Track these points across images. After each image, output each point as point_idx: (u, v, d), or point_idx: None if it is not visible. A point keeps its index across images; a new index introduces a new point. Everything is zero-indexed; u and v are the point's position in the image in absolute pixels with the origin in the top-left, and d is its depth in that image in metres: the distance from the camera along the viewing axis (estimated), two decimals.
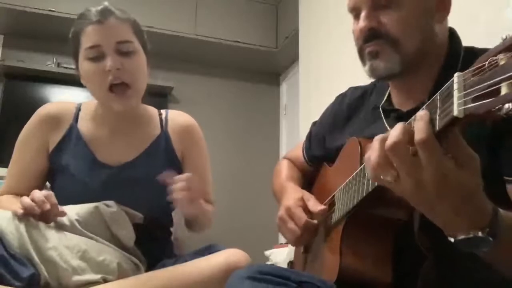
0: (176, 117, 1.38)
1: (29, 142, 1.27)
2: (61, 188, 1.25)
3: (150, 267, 1.16)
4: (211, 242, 1.23)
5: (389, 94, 0.97)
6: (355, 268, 0.84)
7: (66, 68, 3.24)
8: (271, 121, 4.12)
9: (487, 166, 0.70)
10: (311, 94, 3.01)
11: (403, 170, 0.58)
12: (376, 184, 0.71)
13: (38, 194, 1.06)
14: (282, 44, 3.74)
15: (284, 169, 1.28)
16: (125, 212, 1.18)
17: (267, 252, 2.64)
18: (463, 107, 0.49)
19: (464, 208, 0.57)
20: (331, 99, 1.20)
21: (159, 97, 3.65)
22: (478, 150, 0.57)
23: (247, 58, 3.89)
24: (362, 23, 0.88)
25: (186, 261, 1.13)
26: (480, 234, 0.57)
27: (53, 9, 3.19)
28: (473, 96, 0.48)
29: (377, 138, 0.61)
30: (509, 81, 0.44)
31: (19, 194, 1.25)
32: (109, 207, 1.15)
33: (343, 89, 1.17)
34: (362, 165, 0.78)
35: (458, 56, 0.86)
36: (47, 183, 1.32)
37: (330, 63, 2.71)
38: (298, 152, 1.27)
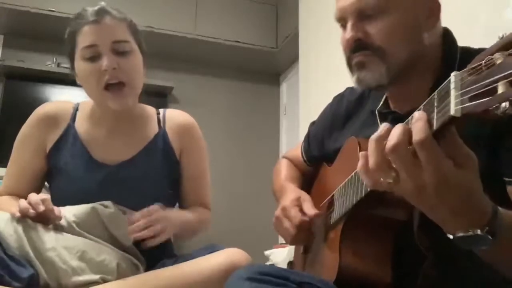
0: (175, 116, 1.37)
1: (27, 142, 1.27)
2: (58, 188, 1.25)
3: (149, 267, 1.16)
4: (211, 242, 1.24)
5: (386, 97, 0.96)
6: (354, 268, 0.84)
7: (66, 68, 3.21)
8: (271, 121, 4.12)
9: (487, 166, 0.70)
10: (311, 94, 3.01)
11: (403, 171, 0.58)
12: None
13: (34, 197, 1.07)
14: (282, 44, 3.74)
15: (283, 169, 1.28)
16: (122, 212, 1.18)
17: (267, 252, 2.64)
18: (460, 106, 0.49)
19: (464, 207, 0.57)
20: (331, 99, 1.20)
21: (159, 97, 3.65)
22: (478, 150, 0.57)
23: (247, 58, 3.89)
24: (348, 33, 0.87)
25: (186, 261, 1.13)
26: (479, 232, 0.57)
27: (53, 9, 3.19)
28: (470, 95, 0.48)
29: (372, 141, 0.61)
30: (505, 80, 0.44)
31: (18, 195, 1.25)
32: (106, 207, 1.15)
33: (343, 89, 1.17)
34: None
35: (454, 57, 0.85)
36: (46, 184, 1.32)
37: (330, 63, 2.71)
38: (297, 151, 1.28)
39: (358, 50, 0.86)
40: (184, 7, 3.62)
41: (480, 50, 0.81)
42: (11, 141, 1.28)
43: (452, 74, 0.51)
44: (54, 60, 3.41)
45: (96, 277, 1.04)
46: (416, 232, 0.79)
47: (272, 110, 4.16)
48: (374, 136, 0.61)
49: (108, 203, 1.16)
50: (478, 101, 0.47)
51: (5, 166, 1.31)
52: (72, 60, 1.24)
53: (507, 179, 0.71)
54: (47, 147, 1.27)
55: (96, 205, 1.14)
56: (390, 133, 0.58)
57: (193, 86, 3.89)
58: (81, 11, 1.21)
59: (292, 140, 3.72)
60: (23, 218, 1.05)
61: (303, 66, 3.20)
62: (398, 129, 0.58)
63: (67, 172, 1.24)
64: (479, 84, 0.47)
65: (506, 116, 0.45)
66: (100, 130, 1.29)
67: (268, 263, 2.55)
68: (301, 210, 1.02)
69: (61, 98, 3.20)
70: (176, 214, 1.25)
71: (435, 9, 0.86)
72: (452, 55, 0.85)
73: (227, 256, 1.09)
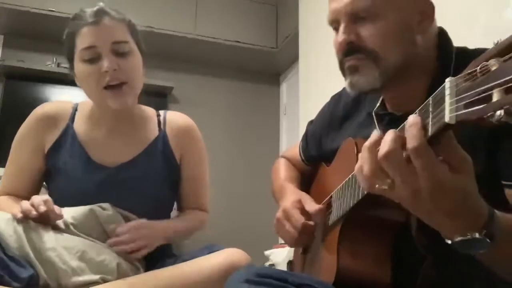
0: (175, 118, 1.37)
1: (25, 142, 1.27)
2: (57, 188, 1.25)
3: (149, 267, 1.16)
4: (211, 242, 1.23)
5: (383, 99, 0.95)
6: (353, 269, 0.84)
7: (66, 68, 3.21)
8: (271, 121, 4.12)
9: (484, 169, 0.69)
10: (311, 94, 3.01)
11: (398, 178, 0.57)
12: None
13: (37, 199, 1.08)
14: (282, 44, 3.74)
15: (282, 168, 1.27)
16: (120, 215, 1.18)
17: (267, 252, 2.64)
18: (455, 114, 0.49)
19: (460, 211, 0.57)
20: None
21: (159, 97, 3.66)
22: (475, 153, 0.57)
23: (247, 58, 3.89)
24: (340, 36, 0.86)
25: (185, 261, 1.13)
26: (477, 235, 0.57)
27: (53, 9, 3.19)
28: (465, 102, 0.47)
29: (365, 148, 0.60)
30: (500, 88, 0.43)
31: (16, 195, 1.25)
32: (104, 209, 1.15)
33: None
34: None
35: (450, 58, 0.84)
36: (44, 184, 1.32)
37: (330, 63, 2.70)
38: (295, 150, 1.27)
39: (350, 54, 0.85)
40: (184, 7, 3.62)
41: (476, 51, 0.81)
42: (11, 141, 1.28)
43: (447, 80, 0.51)
44: (54, 60, 3.41)
45: (96, 277, 1.04)
46: (415, 233, 0.79)
47: (272, 110, 4.15)
48: (366, 143, 0.60)
49: (106, 205, 1.16)
50: (472, 109, 0.46)
51: (4, 166, 1.30)
52: (71, 61, 1.24)
53: (505, 182, 0.71)
54: (46, 147, 1.26)
55: (94, 207, 1.14)
56: (382, 139, 0.58)
57: (193, 86, 3.89)
58: (79, 12, 1.21)
59: (292, 140, 3.72)
60: (24, 219, 1.05)
61: (303, 66, 3.20)
62: (389, 136, 0.57)
63: (66, 172, 1.23)
64: (474, 91, 0.46)
65: (501, 124, 0.44)
66: (99, 131, 1.28)
67: (268, 263, 2.55)
68: (303, 212, 1.02)
69: (61, 98, 3.19)
70: (162, 228, 1.23)
71: (429, 11, 0.85)
72: (448, 56, 0.85)
73: (227, 256, 1.09)
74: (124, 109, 1.23)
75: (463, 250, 0.58)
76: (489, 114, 0.45)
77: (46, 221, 1.07)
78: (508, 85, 0.43)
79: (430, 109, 0.54)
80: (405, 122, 0.57)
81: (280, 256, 2.44)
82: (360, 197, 0.77)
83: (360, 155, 0.64)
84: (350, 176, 0.83)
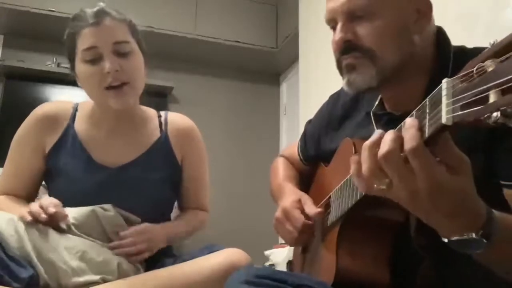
0: (176, 120, 1.37)
1: (25, 142, 1.26)
2: (57, 189, 1.25)
3: (149, 267, 1.16)
4: (211, 242, 1.23)
5: (381, 98, 0.95)
6: (352, 269, 0.84)
7: (66, 68, 3.20)
8: (271, 121, 4.12)
9: (483, 169, 0.69)
10: (311, 94, 3.01)
11: (396, 178, 0.57)
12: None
13: (46, 201, 1.08)
14: (282, 44, 3.74)
15: (281, 168, 1.27)
16: (122, 216, 1.18)
17: (267, 252, 2.64)
18: (452, 115, 0.49)
19: (458, 211, 0.57)
20: None
21: (159, 97, 3.65)
22: (473, 153, 0.57)
23: (247, 58, 3.89)
24: (337, 35, 0.86)
25: (185, 261, 1.13)
26: (473, 235, 0.57)
27: (53, 9, 3.19)
28: (461, 103, 0.47)
29: (366, 147, 0.60)
30: (497, 89, 0.43)
31: (14, 194, 1.25)
32: (106, 210, 1.15)
33: None
34: None
35: (448, 57, 0.84)
36: (44, 183, 1.32)
37: (330, 63, 2.69)
38: (294, 150, 1.27)
39: (348, 52, 0.86)
40: (184, 7, 3.62)
41: (474, 50, 0.81)
42: (10, 141, 1.28)
43: (444, 81, 0.51)
44: (54, 60, 3.41)
45: (96, 277, 1.04)
46: (414, 234, 0.79)
47: (272, 110, 4.15)
48: (367, 142, 0.60)
49: (108, 206, 1.16)
50: (469, 110, 0.46)
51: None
52: (72, 61, 1.23)
53: (504, 182, 0.71)
54: (47, 148, 1.26)
55: (96, 208, 1.14)
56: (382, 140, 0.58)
57: (193, 86, 3.89)
58: (80, 12, 1.20)
59: (292, 140, 3.72)
60: (33, 223, 1.05)
61: (303, 66, 3.20)
62: (389, 135, 0.57)
63: (67, 173, 1.23)
64: (471, 92, 0.46)
65: (498, 125, 0.44)
66: (100, 131, 1.28)
67: (268, 263, 2.55)
68: (303, 212, 1.02)
69: (61, 98, 3.20)
70: (164, 231, 1.24)
71: (426, 10, 0.85)
72: (446, 55, 0.84)
73: (227, 256, 1.09)
74: (125, 109, 1.23)
75: (460, 249, 0.59)
76: (485, 116, 0.44)
77: (53, 223, 1.08)
78: (505, 86, 0.42)
79: (427, 110, 0.54)
80: (402, 123, 0.58)
81: (280, 256, 2.44)
82: (358, 198, 0.77)
83: (351, 158, 0.64)
84: (349, 176, 0.83)
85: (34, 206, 1.07)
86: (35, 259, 1.01)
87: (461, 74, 0.49)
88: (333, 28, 0.89)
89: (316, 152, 1.16)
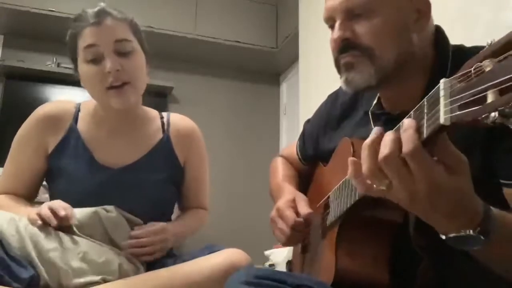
0: (178, 122, 1.37)
1: (26, 142, 1.26)
2: (58, 189, 1.24)
3: (149, 267, 1.16)
4: (211, 242, 1.24)
5: (379, 98, 0.95)
6: (351, 269, 0.84)
7: (66, 68, 3.23)
8: (271, 121, 4.12)
9: (482, 168, 0.69)
10: (311, 94, 3.01)
11: (395, 179, 0.57)
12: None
13: (55, 204, 1.09)
14: (282, 44, 3.74)
15: (280, 167, 1.27)
16: (124, 217, 1.18)
17: (267, 252, 2.64)
18: (450, 115, 0.48)
19: (456, 210, 0.57)
20: None
21: (159, 97, 3.65)
22: (472, 152, 0.57)
23: (247, 58, 3.89)
24: (336, 33, 0.85)
25: (186, 261, 1.13)
26: (471, 232, 0.57)
27: (53, 9, 3.18)
28: (459, 103, 0.47)
29: (366, 147, 0.60)
30: (495, 89, 0.43)
31: (14, 194, 1.25)
32: (108, 212, 1.15)
33: None
34: None
35: (447, 56, 0.84)
36: (45, 183, 1.32)
37: (330, 63, 2.69)
38: (292, 149, 1.28)
39: (346, 50, 0.85)
40: (184, 7, 3.62)
41: (472, 49, 0.81)
42: (11, 141, 1.28)
43: (442, 81, 0.51)
44: (54, 60, 3.41)
45: (97, 278, 1.04)
46: (412, 233, 0.79)
47: (272, 110, 4.15)
48: (367, 142, 0.60)
49: (110, 207, 1.16)
50: (467, 110, 0.46)
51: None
52: (75, 62, 1.23)
53: (503, 181, 0.71)
54: (49, 149, 1.26)
55: (99, 209, 1.14)
56: (382, 139, 0.58)
57: (193, 86, 3.89)
58: (81, 12, 1.20)
59: (292, 140, 3.71)
60: (44, 226, 1.06)
61: (303, 66, 3.20)
62: (388, 137, 0.57)
63: (68, 173, 1.23)
64: (469, 92, 0.46)
65: (496, 125, 0.44)
66: (102, 131, 1.28)
67: (268, 263, 2.55)
68: (296, 212, 1.02)
69: (61, 98, 3.20)
70: (173, 232, 1.25)
71: (425, 9, 0.84)
72: (445, 54, 0.84)
73: (227, 256, 1.09)
74: (127, 109, 1.23)
75: (457, 246, 0.59)
76: (483, 116, 0.44)
77: (63, 227, 1.08)
78: (503, 86, 0.42)
79: (425, 111, 0.54)
80: (400, 123, 0.58)
81: (280, 256, 2.44)
82: (357, 198, 0.77)
83: (349, 159, 0.64)
84: (346, 177, 0.83)
85: (44, 209, 1.07)
86: (36, 259, 1.01)
87: (459, 74, 0.49)
88: (332, 26, 0.89)
89: (314, 151, 1.16)
